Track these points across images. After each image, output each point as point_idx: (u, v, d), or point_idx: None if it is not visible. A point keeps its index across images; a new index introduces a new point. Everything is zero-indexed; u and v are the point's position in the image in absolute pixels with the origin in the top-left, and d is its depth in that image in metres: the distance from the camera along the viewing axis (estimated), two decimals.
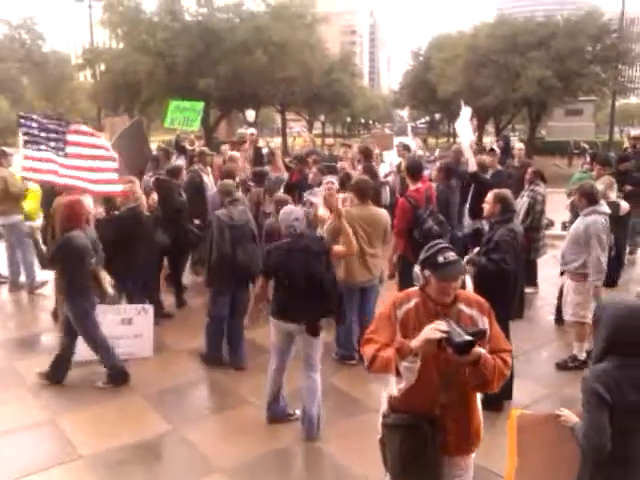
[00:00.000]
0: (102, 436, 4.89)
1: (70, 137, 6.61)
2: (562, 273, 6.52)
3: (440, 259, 2.84)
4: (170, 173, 7.97)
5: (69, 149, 6.59)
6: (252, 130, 12.23)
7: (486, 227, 8.26)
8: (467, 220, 8.35)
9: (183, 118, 11.08)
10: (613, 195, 7.68)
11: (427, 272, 2.88)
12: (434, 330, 2.65)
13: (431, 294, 2.90)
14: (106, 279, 5.79)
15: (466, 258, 5.44)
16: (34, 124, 6.61)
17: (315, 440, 4.78)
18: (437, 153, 13.72)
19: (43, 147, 6.57)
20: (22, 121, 6.65)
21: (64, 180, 6.61)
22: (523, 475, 3.02)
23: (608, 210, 6.10)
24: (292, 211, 4.89)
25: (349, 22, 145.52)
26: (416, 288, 3.00)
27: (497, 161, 9.41)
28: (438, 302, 2.90)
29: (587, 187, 6.17)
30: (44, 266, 5.96)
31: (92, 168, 6.58)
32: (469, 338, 2.60)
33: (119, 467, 4.51)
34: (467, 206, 8.29)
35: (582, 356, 6.12)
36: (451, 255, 2.86)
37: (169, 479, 4.45)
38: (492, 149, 9.70)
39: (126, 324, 6.17)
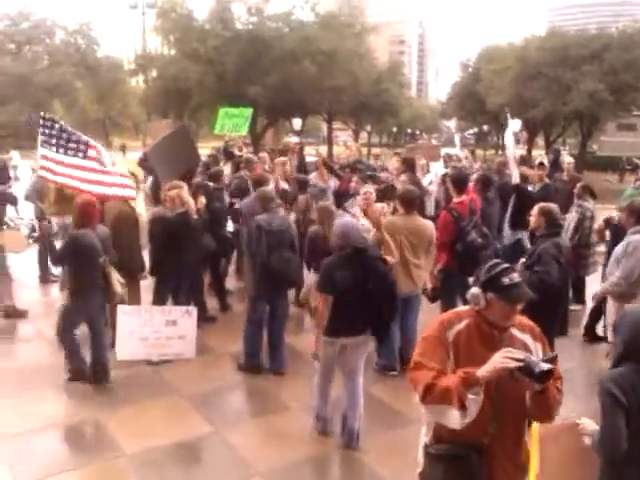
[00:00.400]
0: (144, 435, 4.98)
1: (90, 152, 6.80)
2: None
3: (506, 281, 2.65)
4: (211, 177, 8.12)
5: (86, 162, 6.75)
6: (296, 139, 12.32)
7: (525, 238, 8.28)
8: (507, 231, 8.31)
9: (232, 124, 11.25)
10: None
11: (490, 294, 2.65)
12: (508, 359, 2.46)
13: (489, 317, 2.69)
14: (115, 278, 5.89)
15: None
16: (56, 125, 6.74)
17: (354, 450, 4.78)
18: (477, 165, 13.57)
19: (61, 150, 6.70)
20: (43, 122, 6.71)
21: (78, 184, 6.71)
22: None
23: None
24: (355, 224, 4.87)
25: (398, 32, 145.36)
26: (467, 308, 2.81)
27: (546, 174, 9.27)
28: (495, 326, 2.70)
29: (637, 204, 5.97)
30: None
31: (105, 176, 6.78)
32: (549, 366, 2.44)
33: (160, 466, 4.58)
34: (507, 217, 8.24)
35: None
36: (516, 276, 2.69)
37: None
38: (541, 163, 9.58)
39: (171, 325, 6.28)
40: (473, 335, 2.71)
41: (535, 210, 5.40)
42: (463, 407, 2.50)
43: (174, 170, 7.65)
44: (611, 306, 5.97)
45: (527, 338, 2.79)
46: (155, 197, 8.93)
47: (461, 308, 2.89)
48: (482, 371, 2.49)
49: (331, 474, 4.69)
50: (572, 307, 7.95)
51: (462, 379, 2.50)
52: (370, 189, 7.23)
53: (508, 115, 9.02)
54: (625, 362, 2.81)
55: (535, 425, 3.00)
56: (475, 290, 2.69)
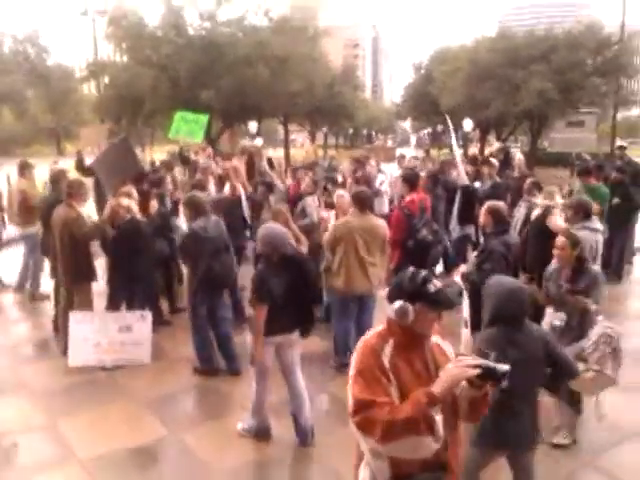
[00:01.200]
0: (100, 440, 4.96)
1: None
2: None
3: (432, 288, 2.51)
4: (153, 184, 8.12)
5: None
6: (259, 141, 12.24)
7: (472, 232, 8.52)
8: (455, 226, 8.55)
9: (187, 129, 11.15)
10: None
11: (419, 305, 2.49)
12: (464, 368, 2.34)
13: (417, 329, 2.53)
14: None
15: (459, 272, 5.53)
16: None
17: (311, 447, 4.82)
18: (430, 166, 13.79)
19: None
20: None
21: None
22: None
23: (600, 227, 6.05)
24: (280, 229, 4.91)
25: (352, 35, 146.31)
26: (382, 327, 2.64)
27: (496, 172, 9.49)
28: (421, 336, 2.57)
29: (583, 201, 6.16)
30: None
31: None
32: (507, 366, 2.36)
33: (116, 470, 4.57)
34: (455, 213, 8.46)
35: None
36: (437, 282, 2.56)
37: None
38: (487, 160, 9.81)
39: (125, 331, 6.24)
40: (404, 353, 2.53)
41: (483, 209, 5.54)
42: (432, 431, 2.37)
43: (118, 182, 7.58)
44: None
45: (439, 339, 2.71)
46: (99, 205, 8.95)
47: (377, 328, 2.67)
48: (439, 387, 2.35)
49: (290, 473, 4.71)
50: None
51: (424, 403, 2.33)
52: (342, 193, 7.10)
53: (448, 117, 9.34)
54: (495, 324, 3.48)
55: None
56: (401, 304, 2.49)
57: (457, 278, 5.40)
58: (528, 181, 8.49)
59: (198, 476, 4.52)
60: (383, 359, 2.50)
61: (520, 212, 8.10)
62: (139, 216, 6.67)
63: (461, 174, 8.30)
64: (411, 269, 2.62)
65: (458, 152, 9.01)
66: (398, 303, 2.50)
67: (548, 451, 4.58)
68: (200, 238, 5.90)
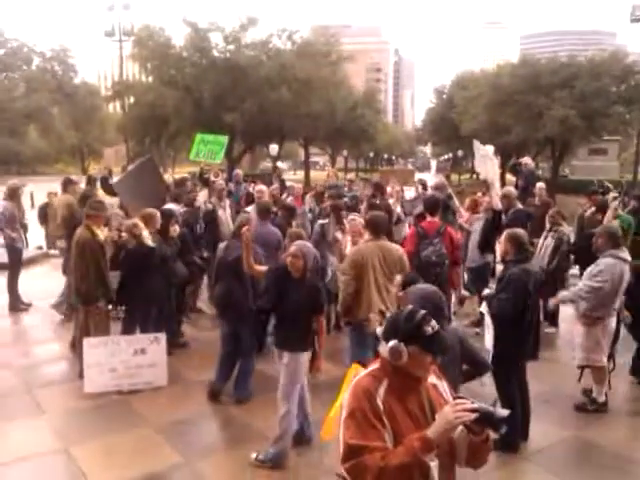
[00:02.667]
0: (113, 467, 4.89)
1: None
2: None
3: (428, 330, 2.38)
4: (175, 200, 8.18)
5: None
6: (282, 165, 12.29)
7: (491, 261, 8.39)
8: (475, 254, 8.43)
9: (207, 151, 11.19)
10: None
11: (413, 347, 2.36)
12: (461, 412, 2.23)
13: (411, 370, 2.40)
14: None
15: (483, 294, 5.44)
16: None
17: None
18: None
19: None
20: None
21: None
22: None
23: (628, 257, 5.89)
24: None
25: (374, 60, 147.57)
26: (376, 366, 2.50)
27: (518, 199, 9.37)
28: (416, 378, 2.44)
29: (614, 229, 6.04)
30: None
31: None
32: (507, 411, 2.26)
33: None
34: (476, 241, 8.37)
35: (601, 399, 6.01)
36: (435, 323, 2.42)
37: None
38: (505, 195, 9.63)
39: (139, 354, 6.19)
40: (399, 395, 2.41)
41: (503, 236, 5.45)
42: (427, 477, 2.27)
43: (142, 203, 7.59)
44: (579, 329, 6.03)
45: (434, 379, 2.59)
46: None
47: (370, 368, 2.53)
48: (434, 433, 2.24)
49: None
50: (546, 330, 8.02)
51: (418, 448, 2.21)
52: (355, 217, 7.08)
53: (475, 142, 9.18)
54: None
55: (352, 368, 2.87)
56: (394, 344, 2.37)
57: (483, 306, 5.28)
58: (552, 211, 8.38)
59: None
60: (378, 402, 2.36)
61: (548, 242, 8.03)
62: (149, 242, 6.63)
63: (495, 199, 8.11)
64: (410, 307, 2.51)
65: (492, 177, 8.75)
66: (392, 343, 2.37)
67: None
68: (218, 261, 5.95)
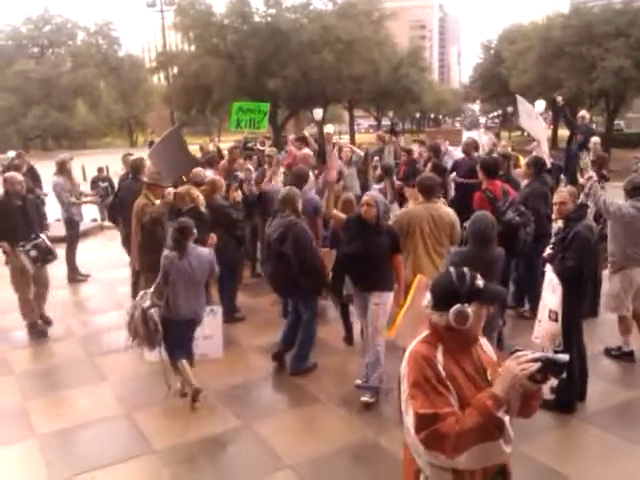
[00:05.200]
0: (174, 431, 5.04)
1: None
2: None
3: (480, 284, 2.43)
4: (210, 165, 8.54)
5: None
6: (330, 128, 11.98)
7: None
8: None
9: (249, 120, 11.07)
10: None
11: (475, 304, 2.40)
12: (525, 363, 2.23)
13: (472, 331, 2.44)
14: None
15: (545, 254, 5.31)
16: None
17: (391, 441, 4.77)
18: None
19: None
20: None
21: None
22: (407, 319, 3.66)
23: None
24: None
25: (418, 16, 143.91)
26: (426, 333, 2.52)
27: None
28: (469, 338, 2.48)
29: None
30: None
31: None
32: (567, 355, 2.31)
33: (190, 461, 4.63)
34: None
35: (627, 349, 6.06)
36: (479, 275, 2.48)
37: (239, 474, 4.54)
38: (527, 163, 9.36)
39: None
40: (455, 358, 2.42)
41: (560, 196, 5.27)
42: (503, 433, 2.31)
43: (171, 172, 7.64)
44: (607, 278, 6.12)
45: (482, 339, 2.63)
46: None
47: (422, 336, 2.53)
48: (501, 389, 2.24)
49: (363, 465, 4.66)
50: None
51: (491, 406, 2.22)
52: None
53: (519, 99, 8.91)
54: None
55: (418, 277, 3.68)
56: (459, 308, 2.37)
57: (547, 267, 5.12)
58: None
59: (271, 467, 4.51)
60: (439, 367, 2.37)
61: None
62: (203, 208, 6.72)
63: (544, 157, 7.83)
64: (451, 270, 2.50)
65: (543, 132, 8.51)
66: (455, 308, 2.38)
67: None
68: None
